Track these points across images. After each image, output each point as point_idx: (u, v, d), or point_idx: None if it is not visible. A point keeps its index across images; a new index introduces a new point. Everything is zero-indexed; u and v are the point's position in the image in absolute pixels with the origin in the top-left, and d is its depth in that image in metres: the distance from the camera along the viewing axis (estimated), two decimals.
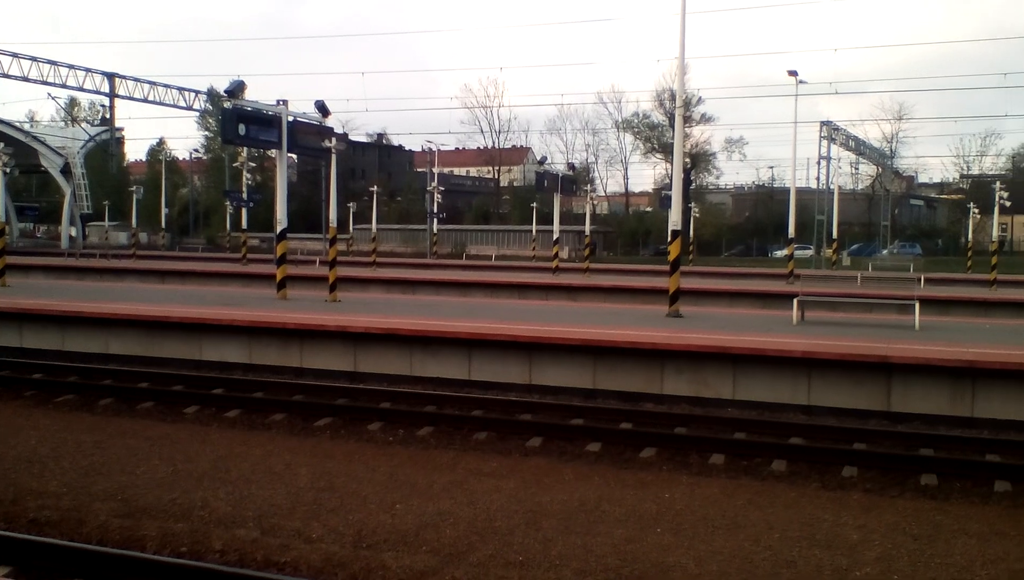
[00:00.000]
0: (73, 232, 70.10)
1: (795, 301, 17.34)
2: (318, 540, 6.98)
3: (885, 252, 63.08)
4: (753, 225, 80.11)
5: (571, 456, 10.04)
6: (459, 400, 12.44)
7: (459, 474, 9.09)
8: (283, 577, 6.08)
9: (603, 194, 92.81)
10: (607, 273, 41.71)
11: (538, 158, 45.66)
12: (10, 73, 65.71)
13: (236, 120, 19.75)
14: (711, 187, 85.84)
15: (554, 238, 40.88)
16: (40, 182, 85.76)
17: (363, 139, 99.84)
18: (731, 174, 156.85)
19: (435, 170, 64.23)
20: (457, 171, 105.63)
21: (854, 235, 72.87)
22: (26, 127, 76.20)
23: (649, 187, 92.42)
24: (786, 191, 54.04)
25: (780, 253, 63.19)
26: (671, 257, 18.31)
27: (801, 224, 48.32)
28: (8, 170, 29.05)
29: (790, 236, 39.57)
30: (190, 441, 10.32)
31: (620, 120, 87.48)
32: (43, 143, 70.05)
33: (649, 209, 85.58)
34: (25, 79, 67.36)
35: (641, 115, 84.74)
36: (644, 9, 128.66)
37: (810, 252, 59.54)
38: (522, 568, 6.52)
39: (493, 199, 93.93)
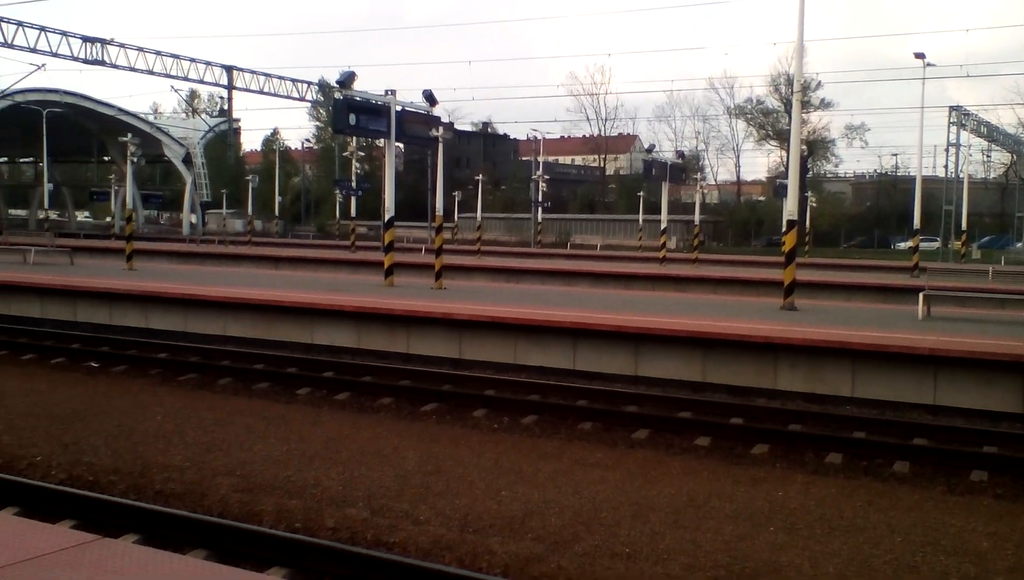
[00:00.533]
0: (193, 219, 72.60)
1: (921, 295, 16.61)
2: (426, 522, 7.05)
3: (1020, 245, 60.12)
4: (874, 215, 77.26)
5: (679, 450, 9.89)
6: (564, 389, 12.38)
7: (564, 463, 9.05)
8: (393, 556, 6.15)
9: (713, 183, 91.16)
10: (717, 264, 41.01)
11: (646, 146, 45.08)
12: (136, 66, 68.34)
13: (347, 110, 20.09)
14: (829, 175, 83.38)
15: (662, 228, 40.30)
16: (163, 171, 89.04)
17: (468, 128, 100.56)
18: (851, 162, 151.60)
19: (540, 159, 64.20)
20: (562, 159, 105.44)
21: (985, 227, 69.53)
22: (151, 118, 79.14)
23: (762, 175, 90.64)
24: (911, 180, 52.14)
25: (904, 245, 60.98)
26: (786, 248, 17.86)
27: (927, 215, 46.37)
28: (135, 160, 30.24)
29: (915, 227, 38.07)
30: (303, 422, 10.56)
31: (732, 106, 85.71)
32: (167, 134, 72.67)
33: (762, 198, 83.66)
34: (150, 72, 69.92)
35: (755, 101, 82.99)
36: None
37: (936, 244, 57.21)
38: (628, 560, 6.45)
39: (599, 188, 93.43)
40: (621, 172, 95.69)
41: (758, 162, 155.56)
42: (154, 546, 5.46)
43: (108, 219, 73.94)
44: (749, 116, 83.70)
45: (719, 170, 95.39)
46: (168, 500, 7.37)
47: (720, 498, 8.00)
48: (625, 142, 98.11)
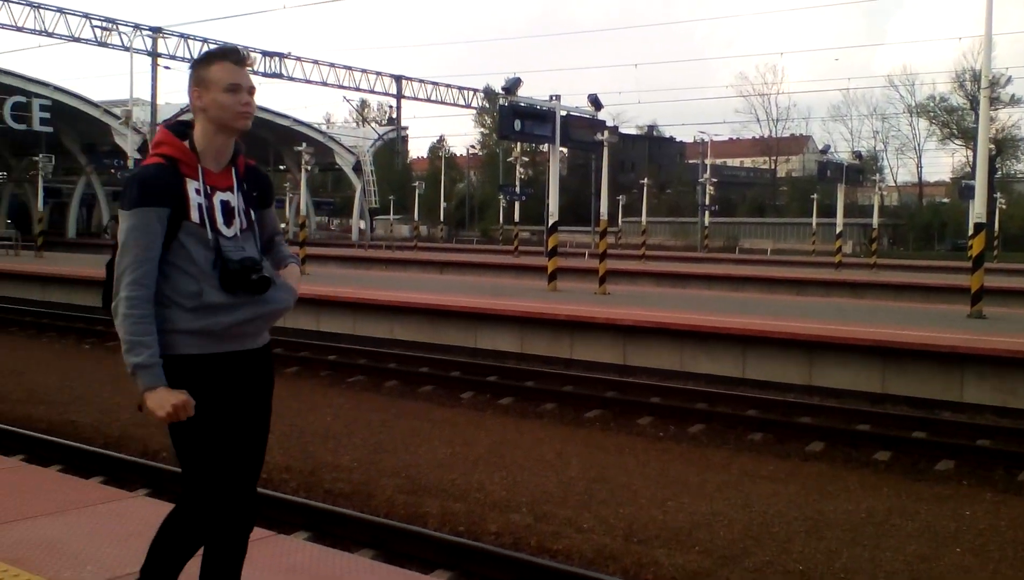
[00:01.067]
0: (362, 225, 75.04)
1: None
2: (589, 531, 6.94)
3: None
4: None
5: (856, 463, 9.42)
6: (733, 398, 12.03)
7: (733, 475, 8.77)
8: (557, 564, 6.07)
9: (892, 184, 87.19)
10: (897, 269, 39.27)
11: (820, 147, 43.67)
12: (311, 79, 71.32)
13: (512, 116, 20.25)
14: (1020, 175, 78.39)
15: (837, 231, 38.75)
16: (334, 179, 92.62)
17: (633, 131, 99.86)
18: None
19: (707, 161, 63.07)
20: (730, 162, 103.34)
21: None
22: (323, 128, 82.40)
23: (946, 176, 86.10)
24: None
25: None
26: (973, 253, 16.91)
27: None
28: (309, 168, 31.51)
29: None
30: (467, 425, 10.64)
31: (913, 104, 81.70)
32: (338, 143, 75.41)
33: (946, 200, 79.48)
34: (324, 84, 72.81)
35: (937, 98, 78.96)
36: None
37: None
38: (802, 578, 6.16)
39: (769, 190, 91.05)
40: (793, 174, 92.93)
41: (941, 162, 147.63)
42: (323, 544, 5.57)
43: (283, 225, 77.38)
44: (932, 114, 79.69)
45: (899, 171, 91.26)
46: (337, 499, 7.52)
47: (901, 516, 7.56)
48: (797, 143, 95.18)
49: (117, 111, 50.08)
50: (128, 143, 46.78)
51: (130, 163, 36.86)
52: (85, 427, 10.09)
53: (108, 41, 57.04)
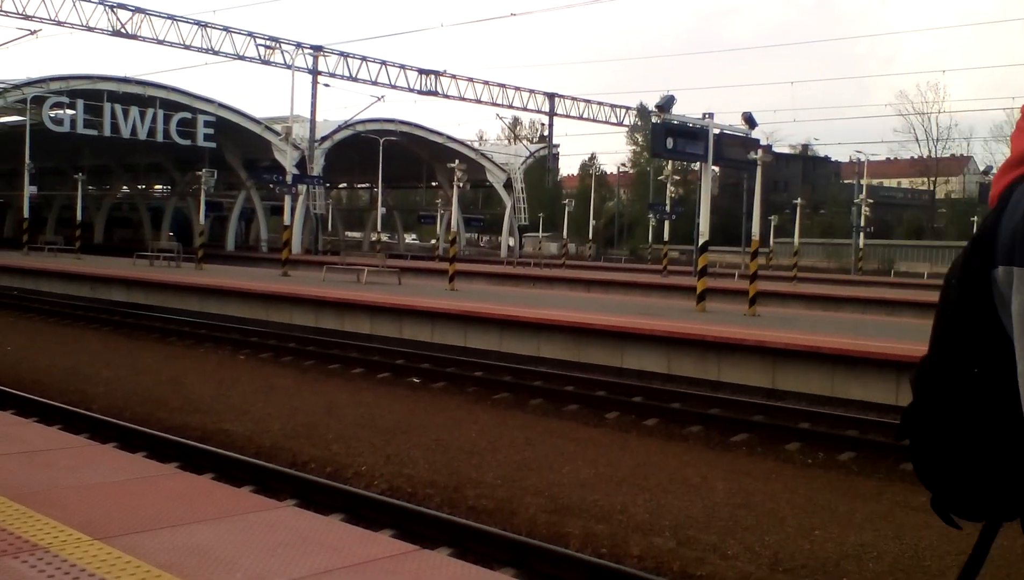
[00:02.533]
0: (511, 242, 75.85)
1: None
2: (733, 558, 6.84)
3: None
4: None
5: None
6: (885, 426, 11.58)
7: (884, 505, 8.48)
8: None
9: None
10: None
11: (981, 168, 41.57)
12: (465, 96, 72.57)
13: (665, 134, 20.17)
14: None
15: None
16: (485, 195, 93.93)
17: (787, 151, 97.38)
18: None
19: (863, 182, 60.96)
20: (887, 183, 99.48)
21: None
22: (476, 145, 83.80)
23: None
24: None
25: None
26: None
27: None
28: (461, 185, 32.11)
29: None
30: (611, 446, 10.63)
31: None
32: (490, 160, 76.55)
33: None
34: (478, 101, 73.91)
35: None
36: None
37: None
38: None
39: (927, 212, 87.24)
40: (952, 196, 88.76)
41: None
42: (466, 560, 5.68)
43: (433, 241, 79.14)
44: None
45: None
46: (480, 516, 7.62)
47: None
48: (958, 164, 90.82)
49: (277, 127, 52.20)
50: (287, 159, 48.87)
51: (288, 178, 38.18)
52: (238, 436, 10.48)
53: (271, 59, 59.38)
